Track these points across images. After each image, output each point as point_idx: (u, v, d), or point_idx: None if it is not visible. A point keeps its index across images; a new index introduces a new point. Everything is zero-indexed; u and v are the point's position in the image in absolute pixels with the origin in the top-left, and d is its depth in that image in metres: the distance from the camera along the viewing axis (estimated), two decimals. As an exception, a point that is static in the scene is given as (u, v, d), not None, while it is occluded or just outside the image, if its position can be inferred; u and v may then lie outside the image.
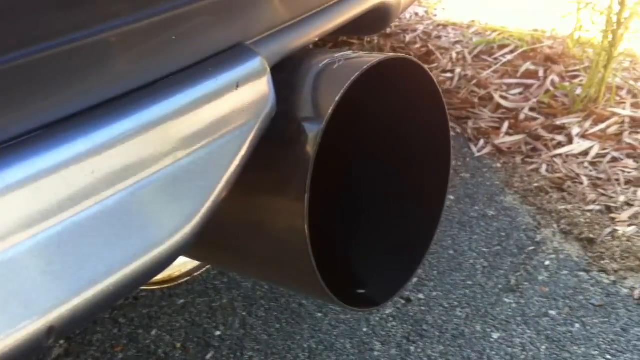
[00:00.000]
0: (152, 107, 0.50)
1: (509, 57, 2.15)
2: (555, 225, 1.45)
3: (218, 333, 1.19)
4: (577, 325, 1.21)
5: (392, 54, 0.68)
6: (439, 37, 2.37)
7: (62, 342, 1.16)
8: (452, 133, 1.79)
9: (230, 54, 0.55)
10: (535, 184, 1.58)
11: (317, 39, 0.71)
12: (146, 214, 0.50)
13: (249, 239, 0.67)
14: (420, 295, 1.28)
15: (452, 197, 1.57)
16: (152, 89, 0.50)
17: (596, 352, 1.15)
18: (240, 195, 0.59)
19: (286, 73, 0.63)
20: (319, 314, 1.22)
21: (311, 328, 1.20)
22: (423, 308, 1.25)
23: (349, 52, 0.67)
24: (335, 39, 2.07)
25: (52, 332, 0.46)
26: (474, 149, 1.75)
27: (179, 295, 1.26)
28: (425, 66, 0.71)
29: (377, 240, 0.81)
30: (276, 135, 0.60)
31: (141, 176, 0.49)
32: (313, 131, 0.59)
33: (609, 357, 1.14)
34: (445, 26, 2.47)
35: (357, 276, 0.78)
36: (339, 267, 0.77)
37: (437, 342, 1.18)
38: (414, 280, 1.31)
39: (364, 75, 0.63)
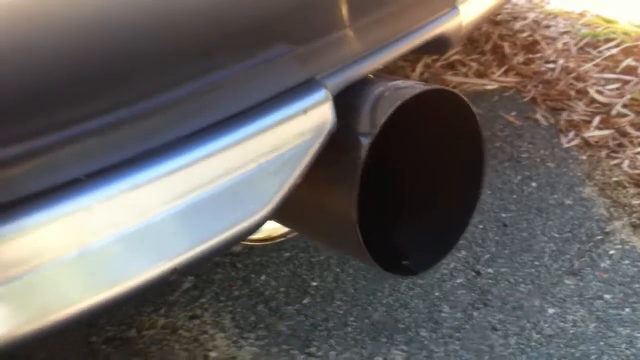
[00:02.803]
0: (248, 126, 0.74)
1: (613, 51, 2.23)
2: (626, 218, 1.59)
3: (314, 283, 1.44)
4: (627, 309, 1.36)
5: (433, 86, 0.88)
6: (547, 27, 2.46)
7: (191, 278, 1.46)
8: (545, 123, 1.94)
9: (302, 87, 0.78)
10: (615, 178, 1.71)
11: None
12: (242, 198, 0.74)
13: (315, 219, 0.91)
14: (490, 270, 1.47)
15: (534, 184, 1.73)
16: (249, 113, 0.74)
17: (638, 334, 1.31)
18: (308, 187, 0.82)
19: (349, 96, 0.85)
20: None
21: (391, 287, 1.42)
22: (490, 281, 1.45)
23: (399, 82, 0.88)
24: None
25: (174, 271, 0.71)
26: (564, 140, 1.88)
27: (285, 249, 1.52)
28: (462, 95, 0.90)
29: (422, 225, 1.02)
30: (337, 144, 0.82)
31: (241, 172, 0.73)
32: (365, 142, 0.82)
33: (650, 340, 1.30)
34: (556, 15, 2.55)
35: (404, 251, 1.00)
36: (389, 244, 0.99)
37: (498, 311, 1.38)
38: (487, 256, 1.51)
39: (412, 98, 0.84)
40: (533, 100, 2.07)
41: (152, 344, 1.30)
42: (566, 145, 1.86)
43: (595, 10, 2.54)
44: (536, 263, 1.48)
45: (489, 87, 2.15)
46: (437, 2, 1.01)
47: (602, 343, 1.30)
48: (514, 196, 1.69)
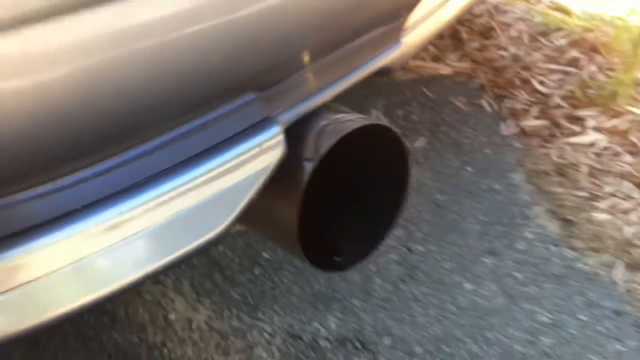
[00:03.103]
0: (214, 159, 0.92)
1: (562, 41, 2.40)
2: (545, 205, 1.79)
3: (266, 255, 1.64)
4: (532, 287, 1.58)
5: (371, 121, 1.06)
6: (505, 12, 2.62)
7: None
8: (489, 110, 2.12)
9: (259, 125, 0.95)
10: (542, 167, 1.91)
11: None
12: (211, 214, 0.93)
13: (262, 222, 1.10)
14: (421, 247, 1.68)
15: (470, 169, 1.92)
16: (216, 148, 0.92)
17: (539, 310, 1.53)
18: (262, 199, 1.00)
19: (298, 126, 1.02)
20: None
21: (331, 262, 1.63)
22: (420, 258, 1.66)
23: (342, 115, 1.06)
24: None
25: (149, 276, 0.90)
26: (503, 128, 2.07)
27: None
28: (396, 130, 1.08)
29: (353, 227, 1.21)
30: (285, 166, 1.00)
31: (209, 193, 0.92)
32: (309, 167, 1.00)
33: (547, 314, 1.52)
34: (515, 1, 2.71)
35: (338, 249, 1.19)
36: (325, 243, 1.18)
37: (422, 285, 1.59)
38: (419, 235, 1.71)
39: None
40: (482, 87, 2.24)
41: (119, 305, 1.50)
42: (505, 133, 2.05)
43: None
44: (461, 242, 1.69)
45: (443, 72, 2.33)
46: (384, 40, 1.18)
47: (506, 316, 1.52)
48: (451, 179, 1.89)
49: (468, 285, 1.59)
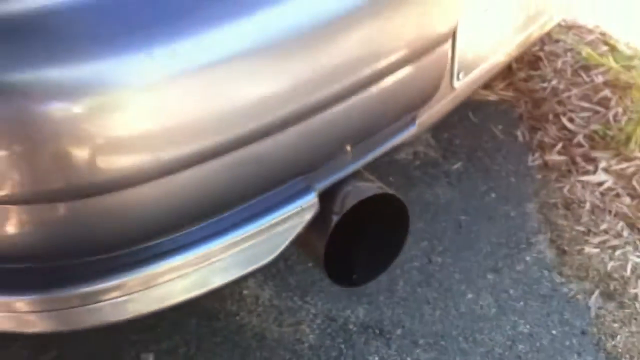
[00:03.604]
0: (267, 217, 1.40)
1: (600, 78, 2.73)
2: (549, 234, 2.21)
3: (318, 252, 2.14)
4: (521, 303, 2.03)
5: (387, 192, 1.51)
6: (557, 42, 2.95)
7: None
8: (522, 140, 2.51)
9: (301, 192, 1.42)
10: (553, 200, 2.31)
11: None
12: (261, 252, 1.43)
13: (303, 248, 1.59)
14: (439, 259, 2.14)
15: (493, 195, 2.35)
16: (270, 208, 1.41)
17: (522, 321, 1.98)
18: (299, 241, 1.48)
19: (330, 189, 1.49)
20: (375, 256, 2.13)
21: (367, 264, 2.11)
22: (436, 268, 2.12)
23: (364, 184, 1.51)
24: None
25: (214, 291, 1.42)
26: (530, 159, 2.47)
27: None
28: (403, 201, 1.52)
29: (368, 252, 1.68)
30: (318, 216, 1.47)
31: (263, 236, 1.41)
32: (335, 219, 1.46)
33: (528, 326, 1.96)
34: (569, 28, 3.02)
35: (355, 267, 1.67)
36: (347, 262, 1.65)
37: (434, 290, 2.06)
38: (440, 248, 2.17)
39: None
40: (520, 116, 2.63)
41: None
42: (530, 164, 2.45)
43: (609, 25, 2.99)
44: (472, 259, 2.14)
45: (490, 99, 2.72)
46: (402, 124, 1.61)
47: (494, 323, 1.97)
48: (476, 202, 2.32)
49: (470, 295, 2.05)
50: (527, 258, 2.14)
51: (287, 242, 1.45)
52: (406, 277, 2.09)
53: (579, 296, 2.04)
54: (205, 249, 1.36)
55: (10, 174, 1.06)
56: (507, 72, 2.78)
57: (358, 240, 1.65)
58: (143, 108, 1.07)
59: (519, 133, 2.56)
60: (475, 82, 1.83)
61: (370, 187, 1.55)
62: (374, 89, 1.42)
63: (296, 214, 1.44)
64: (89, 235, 1.26)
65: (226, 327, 1.95)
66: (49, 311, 1.35)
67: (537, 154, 2.47)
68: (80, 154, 1.07)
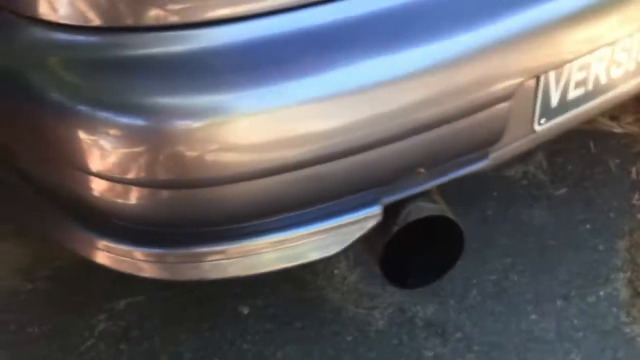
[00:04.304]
0: (341, 217, 1.72)
1: None
2: (628, 274, 2.30)
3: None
4: (581, 333, 2.16)
5: (446, 216, 1.75)
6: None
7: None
8: (634, 178, 2.56)
9: (369, 203, 1.70)
10: (645, 241, 2.38)
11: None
12: (333, 243, 1.75)
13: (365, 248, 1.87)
14: (515, 277, 2.32)
15: (588, 226, 2.45)
16: (341, 212, 1.72)
17: (575, 351, 2.12)
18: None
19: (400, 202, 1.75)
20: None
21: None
22: (511, 284, 2.30)
23: (427, 204, 1.76)
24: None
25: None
26: (634, 197, 2.52)
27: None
28: (460, 225, 1.75)
29: (426, 260, 1.92)
30: (382, 223, 1.74)
31: (332, 234, 1.73)
32: (395, 229, 1.74)
33: (579, 357, 2.11)
34: None
35: (410, 271, 1.92)
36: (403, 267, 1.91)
37: (502, 305, 2.25)
38: (520, 267, 2.34)
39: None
40: (638, 154, 2.67)
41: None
42: (634, 203, 2.51)
43: None
44: (546, 283, 2.30)
45: (615, 131, 2.77)
46: (475, 157, 1.83)
47: (549, 347, 2.14)
48: (568, 230, 2.45)
49: (534, 316, 2.22)
50: (601, 292, 2.26)
51: (351, 241, 1.76)
52: (480, 288, 2.30)
53: (638, 338, 2.14)
54: (291, 234, 1.69)
55: (149, 166, 1.41)
56: (637, 105, 2.80)
57: (414, 250, 1.92)
58: (240, 132, 1.42)
59: (632, 170, 2.61)
60: (562, 126, 1.98)
61: (433, 208, 1.80)
62: (446, 128, 1.67)
63: (361, 220, 1.73)
64: (194, 215, 1.65)
65: (312, 297, 2.31)
66: (162, 262, 1.77)
67: (645, 202, 2.52)
68: (192, 157, 1.44)
